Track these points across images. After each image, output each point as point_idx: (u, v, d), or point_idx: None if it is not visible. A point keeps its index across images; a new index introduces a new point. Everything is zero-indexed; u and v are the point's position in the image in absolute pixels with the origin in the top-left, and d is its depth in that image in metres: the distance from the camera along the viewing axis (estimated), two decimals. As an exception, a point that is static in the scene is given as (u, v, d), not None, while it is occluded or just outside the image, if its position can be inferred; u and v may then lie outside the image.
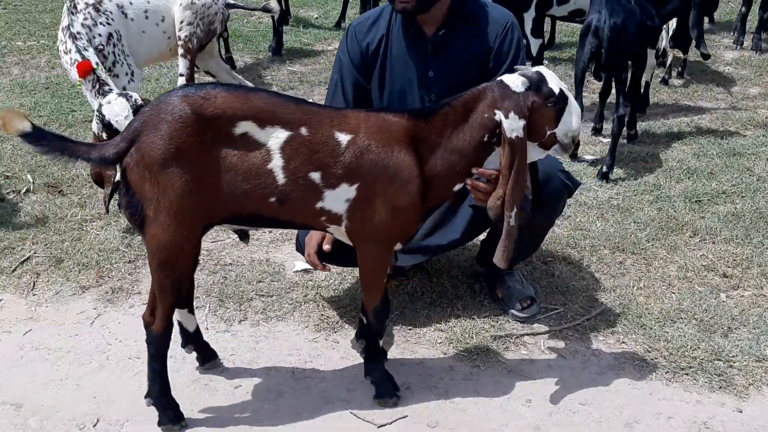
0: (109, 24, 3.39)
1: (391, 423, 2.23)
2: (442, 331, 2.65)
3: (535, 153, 2.11)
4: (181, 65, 4.01)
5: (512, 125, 2.01)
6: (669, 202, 3.59)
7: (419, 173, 2.06)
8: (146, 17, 3.63)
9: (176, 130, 1.90)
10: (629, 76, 4.06)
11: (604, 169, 3.88)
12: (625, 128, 4.44)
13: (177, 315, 2.31)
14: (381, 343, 2.31)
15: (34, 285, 2.92)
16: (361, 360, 2.38)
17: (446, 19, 2.50)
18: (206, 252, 3.14)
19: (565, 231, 3.32)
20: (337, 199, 2.04)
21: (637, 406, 2.31)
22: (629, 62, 4.04)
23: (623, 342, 2.60)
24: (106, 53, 3.31)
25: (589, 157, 4.19)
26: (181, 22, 3.87)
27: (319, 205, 2.04)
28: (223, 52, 6.02)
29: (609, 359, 2.52)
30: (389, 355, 2.51)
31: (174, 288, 2.05)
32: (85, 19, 3.33)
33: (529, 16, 4.64)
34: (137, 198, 1.94)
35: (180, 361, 2.46)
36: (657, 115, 4.96)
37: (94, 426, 2.21)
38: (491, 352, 2.54)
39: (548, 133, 2.08)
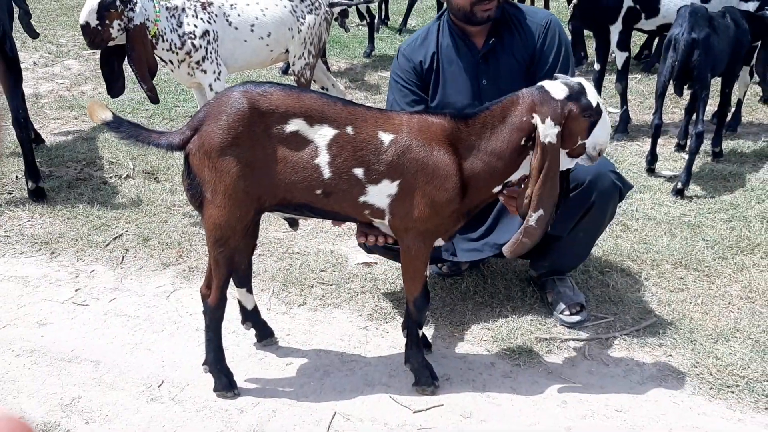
0: (209, 23, 3.63)
1: (426, 410, 2.34)
2: (488, 329, 2.74)
3: (563, 161, 2.16)
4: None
5: (546, 130, 2.07)
6: (744, 222, 3.50)
7: (457, 172, 2.16)
8: (251, 30, 3.78)
9: (234, 121, 2.10)
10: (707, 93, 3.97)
11: (679, 185, 3.82)
12: (709, 146, 4.35)
13: (236, 294, 2.53)
14: (421, 333, 2.42)
15: (122, 259, 3.24)
16: (407, 350, 2.51)
17: (494, 28, 2.61)
18: (276, 240, 3.36)
19: (628, 243, 3.31)
20: (380, 194, 2.18)
21: (674, 418, 2.31)
22: (710, 78, 3.96)
23: (670, 355, 2.59)
24: (197, 45, 3.55)
25: (666, 173, 4.13)
26: (294, 56, 4.01)
27: (362, 199, 2.19)
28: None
29: (652, 370, 2.52)
30: (434, 348, 2.62)
31: (227, 263, 2.25)
32: (189, 8, 3.60)
33: (615, 29, 4.61)
34: (197, 181, 2.16)
35: (240, 337, 2.67)
36: (749, 134, 4.80)
37: (159, 386, 2.44)
38: (533, 353, 2.60)
39: (579, 143, 2.14)
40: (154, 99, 3.56)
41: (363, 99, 5.55)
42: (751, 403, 2.37)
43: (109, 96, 3.64)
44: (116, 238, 3.40)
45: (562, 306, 2.77)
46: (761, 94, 5.47)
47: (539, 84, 2.15)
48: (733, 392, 2.41)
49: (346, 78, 6.09)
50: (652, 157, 4.11)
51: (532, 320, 2.78)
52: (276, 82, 2.24)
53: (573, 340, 2.68)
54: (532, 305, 2.88)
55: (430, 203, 2.17)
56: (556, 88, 2.11)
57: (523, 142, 2.15)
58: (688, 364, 2.54)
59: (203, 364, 2.43)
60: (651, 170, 4.13)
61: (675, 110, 5.24)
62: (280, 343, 2.66)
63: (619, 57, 4.70)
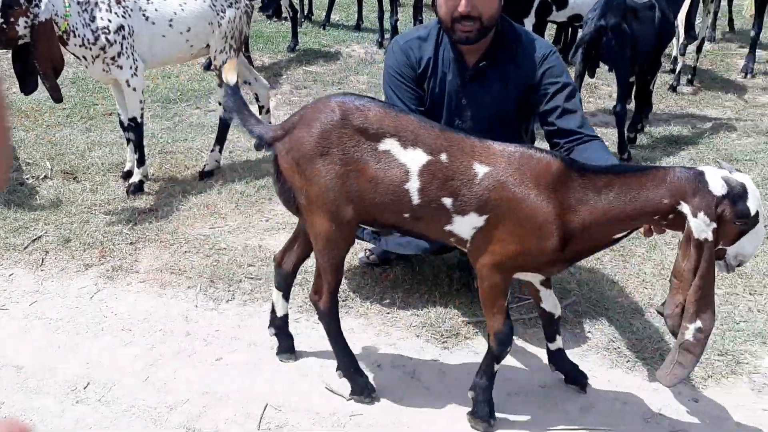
0: (123, 17, 3.55)
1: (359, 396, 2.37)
2: (417, 315, 2.79)
3: None
4: (220, 94, 4.07)
5: (701, 226, 1.86)
6: (656, 204, 3.68)
7: (556, 222, 1.97)
8: (170, 25, 3.69)
9: (326, 131, 2.06)
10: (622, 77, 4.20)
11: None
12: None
13: (273, 295, 2.50)
14: (497, 367, 2.22)
15: (42, 261, 3.14)
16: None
17: (488, 50, 2.56)
18: (203, 237, 3.32)
19: (549, 227, 3.43)
20: (465, 225, 2.07)
21: (595, 392, 2.42)
22: (628, 64, 4.19)
23: (589, 332, 2.71)
24: (111, 40, 3.47)
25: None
26: (215, 51, 3.95)
27: (447, 227, 2.09)
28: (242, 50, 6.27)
29: (573, 347, 2.62)
30: (364, 336, 2.66)
31: (335, 269, 2.22)
32: (102, 2, 3.50)
33: (529, 22, 4.75)
34: (288, 185, 2.14)
35: (167, 335, 2.64)
36: (660, 121, 5.03)
37: (85, 388, 2.39)
38: (461, 336, 2.67)
39: (719, 248, 1.93)
40: (57, 98, 3.44)
41: (288, 93, 5.54)
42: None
43: (22, 93, 3.51)
44: (35, 240, 3.29)
45: (487, 290, 2.85)
46: (670, 82, 5.75)
47: (699, 169, 1.94)
48: (649, 365, 2.54)
49: (270, 72, 6.05)
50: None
51: (460, 304, 2.85)
52: (376, 99, 2.16)
53: (498, 322, 2.76)
54: (459, 290, 2.95)
55: (518, 246, 2.02)
56: (717, 181, 1.88)
57: (655, 219, 1.96)
58: (606, 339, 2.66)
59: (336, 370, 2.36)
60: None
61: (590, 99, 5.44)
62: (209, 339, 2.64)
63: (536, 48, 4.84)
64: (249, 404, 2.32)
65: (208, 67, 5.99)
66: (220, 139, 4.12)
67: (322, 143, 2.06)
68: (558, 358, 2.42)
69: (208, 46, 3.97)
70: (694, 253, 1.86)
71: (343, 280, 2.97)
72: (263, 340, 2.63)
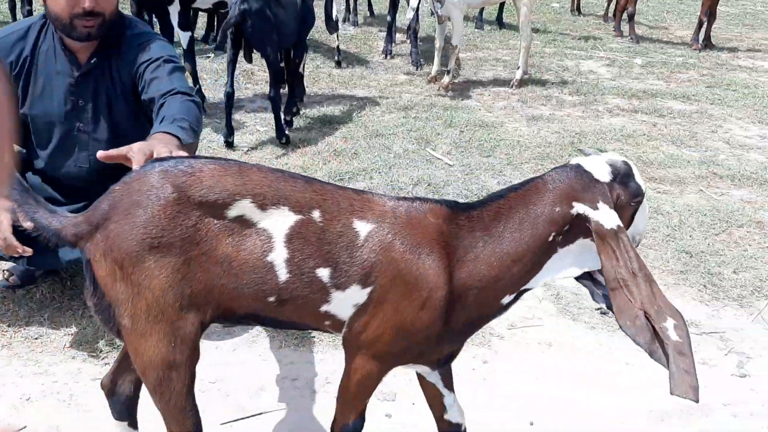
0: None
1: (4, 438, 2.10)
2: (71, 335, 2.55)
3: (569, 262, 1.66)
4: None
5: (607, 216, 1.58)
6: (313, 183, 3.86)
7: (446, 284, 1.60)
8: None
9: (155, 216, 1.49)
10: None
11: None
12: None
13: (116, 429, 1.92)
14: None
15: None
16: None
17: (100, 46, 2.38)
18: None
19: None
20: (346, 302, 1.61)
21: (266, 374, 2.45)
22: (275, 48, 4.32)
23: (257, 317, 2.74)
24: None
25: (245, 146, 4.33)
26: None
27: (324, 308, 1.61)
28: None
29: (243, 335, 2.63)
30: (10, 371, 2.35)
31: (181, 411, 1.63)
32: None
33: (174, 9, 4.63)
34: (107, 300, 1.53)
35: None
36: (314, 102, 5.29)
37: None
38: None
39: None
40: None
41: None
42: (330, 344, 2.63)
43: None
44: None
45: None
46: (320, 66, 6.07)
47: (574, 163, 1.66)
48: (316, 336, 2.65)
49: None
50: (229, 130, 4.27)
51: (119, 314, 2.67)
52: (201, 155, 1.58)
53: (164, 324, 2.65)
54: (118, 299, 2.76)
55: (399, 323, 1.61)
56: (600, 167, 1.64)
57: (551, 238, 1.63)
58: (274, 322, 2.72)
59: None
60: (229, 144, 4.28)
61: (248, 86, 5.50)
62: None
63: (182, 37, 4.74)
64: None
65: None
66: None
67: (150, 233, 1.50)
68: None
69: None
70: (614, 247, 1.57)
71: (39, 297, 2.61)
72: None
